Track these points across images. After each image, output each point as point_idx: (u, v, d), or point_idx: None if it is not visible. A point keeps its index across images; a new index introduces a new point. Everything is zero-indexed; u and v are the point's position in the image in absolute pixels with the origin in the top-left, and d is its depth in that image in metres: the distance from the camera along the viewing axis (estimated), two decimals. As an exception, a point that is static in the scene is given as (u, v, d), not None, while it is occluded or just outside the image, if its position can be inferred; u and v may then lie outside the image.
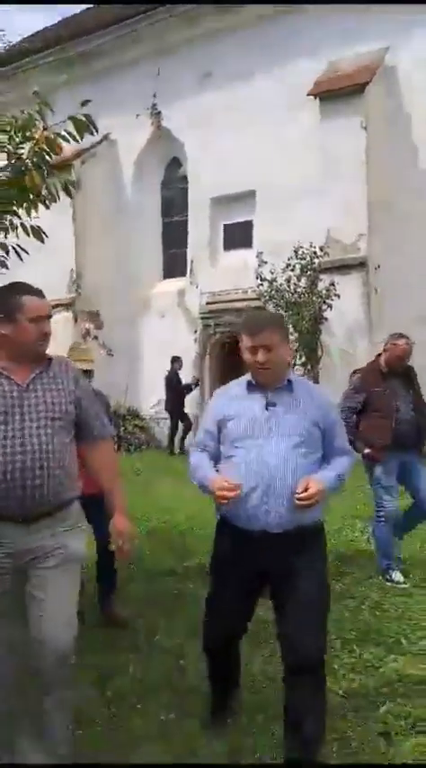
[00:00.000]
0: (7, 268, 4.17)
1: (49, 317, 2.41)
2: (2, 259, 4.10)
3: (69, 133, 3.37)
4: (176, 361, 11.25)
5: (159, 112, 12.19)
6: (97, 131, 3.45)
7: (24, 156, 3.25)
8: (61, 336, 11.63)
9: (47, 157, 3.27)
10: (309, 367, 9.48)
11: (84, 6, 15.32)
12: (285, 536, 2.41)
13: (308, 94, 9.64)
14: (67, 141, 3.29)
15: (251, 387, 2.54)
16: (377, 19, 9.43)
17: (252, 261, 10.28)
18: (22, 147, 3.30)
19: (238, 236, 11.59)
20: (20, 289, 2.37)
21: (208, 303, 11.60)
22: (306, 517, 2.42)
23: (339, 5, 9.61)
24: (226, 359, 11.18)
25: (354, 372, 5.02)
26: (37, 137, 3.27)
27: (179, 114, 11.76)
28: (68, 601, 2.34)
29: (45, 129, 3.30)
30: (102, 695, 3.08)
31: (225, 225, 11.82)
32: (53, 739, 2.33)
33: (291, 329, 9.70)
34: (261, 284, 9.83)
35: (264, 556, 2.43)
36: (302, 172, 9.78)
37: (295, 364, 9.68)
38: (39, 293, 2.39)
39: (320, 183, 9.41)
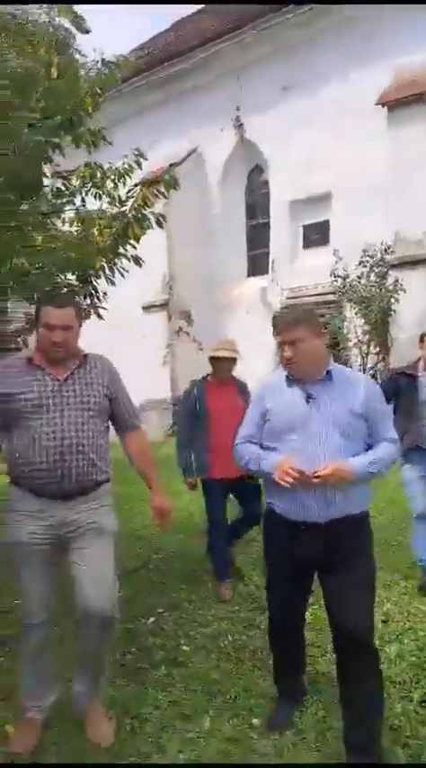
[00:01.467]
0: (115, 285, 5.42)
1: (65, 327, 2.51)
2: (110, 278, 5.34)
3: (159, 191, 4.56)
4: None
5: (241, 125, 13.24)
6: (179, 187, 4.61)
7: (127, 211, 4.45)
8: (158, 334, 13.08)
9: (143, 211, 4.44)
10: (381, 357, 10.27)
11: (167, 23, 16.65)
12: (334, 524, 2.46)
13: (376, 104, 10.40)
14: (158, 198, 4.48)
15: (289, 380, 2.58)
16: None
17: (329, 258, 11.14)
18: (126, 204, 4.51)
19: (316, 235, 12.48)
20: (47, 298, 2.61)
21: (287, 299, 12.58)
22: (352, 506, 2.49)
23: (396, 9, 10.26)
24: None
25: None
26: (136, 194, 4.46)
27: (260, 125, 12.75)
28: (106, 568, 2.58)
29: (142, 187, 4.47)
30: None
31: (303, 225, 12.75)
32: (88, 681, 2.70)
33: (363, 322, 10.56)
34: (336, 281, 10.72)
35: (315, 545, 2.48)
36: (372, 174, 10.55)
37: (367, 353, 10.51)
38: (60, 304, 2.53)
39: (388, 185, 10.17)
